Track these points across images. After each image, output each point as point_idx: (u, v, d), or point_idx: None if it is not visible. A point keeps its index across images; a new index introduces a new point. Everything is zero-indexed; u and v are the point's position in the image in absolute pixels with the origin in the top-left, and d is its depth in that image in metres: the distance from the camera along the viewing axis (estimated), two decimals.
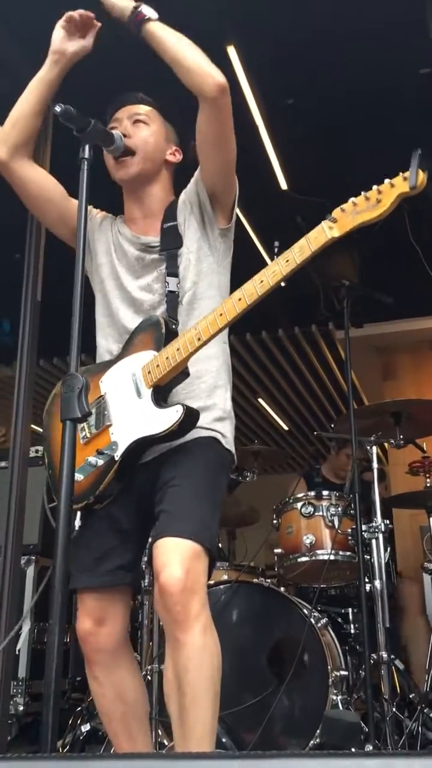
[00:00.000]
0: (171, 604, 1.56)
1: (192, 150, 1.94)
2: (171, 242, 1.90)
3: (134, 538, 1.84)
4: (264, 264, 1.66)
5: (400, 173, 1.46)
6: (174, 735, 1.59)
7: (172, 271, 1.87)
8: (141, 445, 1.73)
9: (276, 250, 3.01)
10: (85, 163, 1.62)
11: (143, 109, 1.98)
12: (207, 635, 1.59)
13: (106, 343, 1.93)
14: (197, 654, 1.56)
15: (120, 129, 1.92)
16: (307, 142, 3.95)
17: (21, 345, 3.13)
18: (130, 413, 1.74)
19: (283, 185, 4.22)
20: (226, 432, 1.84)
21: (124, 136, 1.90)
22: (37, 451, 3.40)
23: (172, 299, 1.85)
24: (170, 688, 1.60)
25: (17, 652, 3.24)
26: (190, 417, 1.68)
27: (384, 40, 3.28)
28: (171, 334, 1.75)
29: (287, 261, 1.58)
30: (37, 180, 1.98)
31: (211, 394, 1.83)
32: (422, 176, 1.44)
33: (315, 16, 3.20)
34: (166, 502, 1.69)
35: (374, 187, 1.50)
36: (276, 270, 1.59)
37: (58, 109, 1.64)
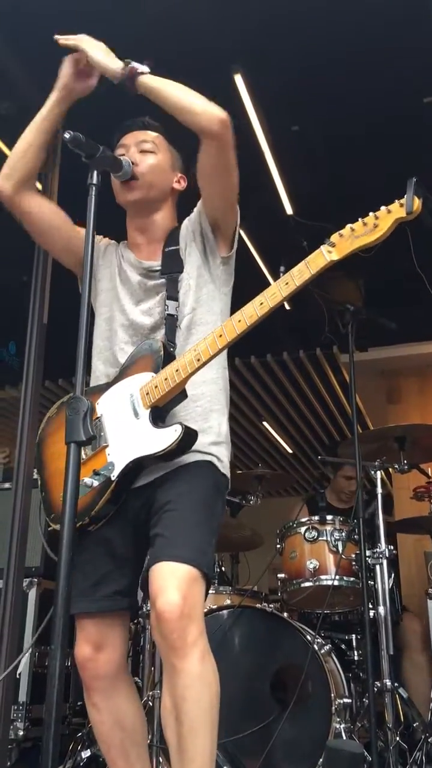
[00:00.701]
0: (168, 631, 1.54)
1: (194, 177, 1.97)
2: (172, 266, 1.91)
3: (130, 563, 1.83)
4: None
5: (396, 200, 1.52)
6: (172, 763, 1.57)
7: (172, 295, 1.88)
8: (138, 465, 1.73)
9: (281, 275, 3.02)
10: (93, 188, 1.64)
11: (150, 136, 2.00)
12: (205, 662, 1.57)
13: (104, 368, 1.94)
14: (195, 682, 1.54)
15: (127, 157, 1.94)
16: (311, 167, 3.99)
17: (27, 367, 3.15)
18: (127, 434, 1.75)
19: (289, 210, 4.25)
20: (221, 456, 1.83)
21: (132, 164, 1.92)
22: None
23: (171, 322, 1.86)
24: (167, 716, 1.58)
25: (18, 677, 3.22)
26: (189, 436, 1.69)
27: (389, 68, 3.34)
28: (169, 357, 1.76)
29: (287, 284, 1.60)
30: (43, 210, 2.00)
31: (207, 418, 1.83)
32: (417, 203, 1.49)
33: (320, 46, 3.25)
34: (161, 527, 1.68)
35: (371, 213, 1.55)
36: (276, 292, 1.61)
37: (67, 135, 1.66)
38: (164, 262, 1.93)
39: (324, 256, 1.56)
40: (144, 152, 1.96)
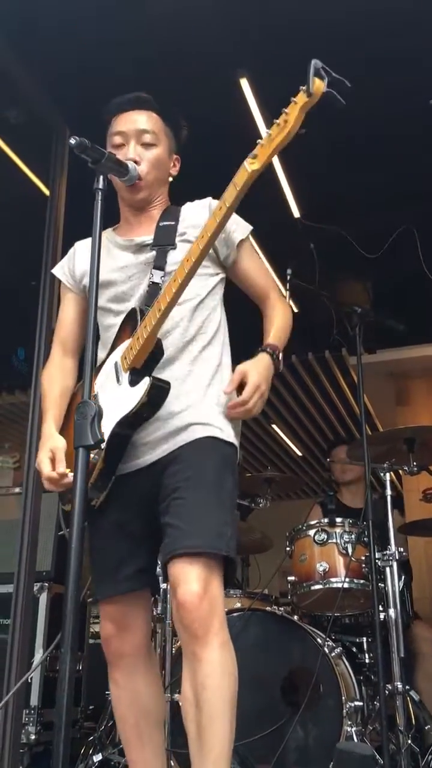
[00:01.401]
0: (189, 621, 1.57)
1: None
2: (164, 239, 1.91)
3: (146, 543, 1.83)
4: None
5: (301, 88, 1.46)
6: (191, 753, 1.58)
7: (159, 265, 1.87)
8: (122, 426, 1.73)
9: (288, 277, 3.02)
10: (100, 193, 1.64)
11: (149, 124, 1.94)
12: (225, 652, 1.59)
13: (102, 354, 1.95)
14: (216, 670, 1.56)
15: (128, 151, 1.90)
16: (318, 170, 3.99)
17: (35, 372, 3.16)
18: (112, 401, 1.76)
19: (296, 213, 4.26)
20: (223, 425, 1.80)
21: (135, 162, 1.89)
22: None
23: (154, 290, 1.84)
24: (187, 706, 1.59)
25: (29, 681, 3.23)
26: (159, 388, 1.70)
27: (394, 71, 3.34)
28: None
29: (220, 208, 1.60)
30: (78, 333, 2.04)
31: (205, 392, 1.82)
32: (318, 83, 1.45)
33: (326, 49, 3.24)
34: (171, 516, 1.69)
35: (283, 110, 1.52)
36: (213, 221, 1.61)
37: (72, 141, 1.65)
38: (157, 235, 1.92)
39: (246, 169, 1.55)
40: (145, 145, 1.92)
